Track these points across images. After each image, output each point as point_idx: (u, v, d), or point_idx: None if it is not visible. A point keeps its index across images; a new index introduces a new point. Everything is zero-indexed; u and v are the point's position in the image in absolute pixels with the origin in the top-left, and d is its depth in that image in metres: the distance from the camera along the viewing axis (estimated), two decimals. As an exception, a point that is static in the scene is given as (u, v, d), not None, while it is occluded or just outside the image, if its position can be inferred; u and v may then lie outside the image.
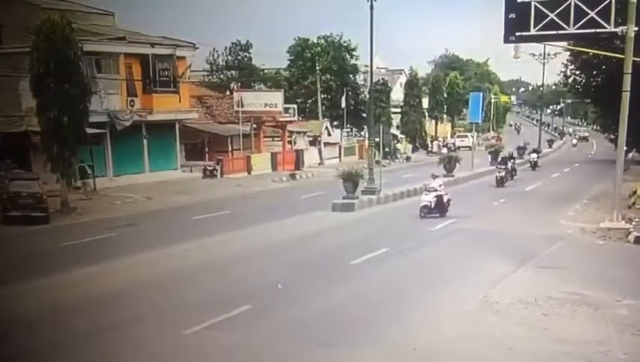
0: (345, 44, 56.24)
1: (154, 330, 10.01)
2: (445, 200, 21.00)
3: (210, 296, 11.68)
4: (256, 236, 17.98)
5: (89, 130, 23.49)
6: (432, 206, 20.63)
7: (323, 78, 52.75)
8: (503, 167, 30.91)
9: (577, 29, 18.41)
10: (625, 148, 20.52)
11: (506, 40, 19.67)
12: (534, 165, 40.55)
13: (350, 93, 54.18)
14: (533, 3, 18.52)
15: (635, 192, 23.21)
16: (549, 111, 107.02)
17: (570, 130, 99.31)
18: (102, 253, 15.47)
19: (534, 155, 41.87)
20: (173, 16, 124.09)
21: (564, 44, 27.99)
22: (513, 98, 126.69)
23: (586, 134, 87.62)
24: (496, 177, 29.87)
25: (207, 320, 10.15)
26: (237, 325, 10.13)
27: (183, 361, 8.88)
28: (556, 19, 18.45)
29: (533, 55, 54.84)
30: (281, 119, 41.87)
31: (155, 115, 31.58)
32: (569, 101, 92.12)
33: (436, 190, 20.85)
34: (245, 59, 59.76)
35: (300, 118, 49.10)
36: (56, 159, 21.92)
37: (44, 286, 12.48)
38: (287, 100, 44.04)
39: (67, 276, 13.23)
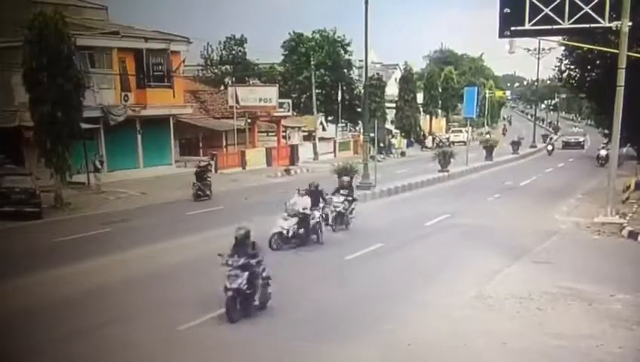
0: (339, 39, 56.12)
1: (147, 326, 9.98)
2: (313, 223, 15.58)
3: (204, 292, 11.61)
4: (250, 231, 17.87)
5: (83, 125, 23.38)
6: (291, 234, 15.17)
7: (317, 73, 52.61)
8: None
9: (572, 23, 18.42)
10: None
11: (501, 34, 19.66)
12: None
13: (345, 88, 54.09)
14: (527, -3, 18.51)
15: (628, 187, 23.31)
16: (543, 106, 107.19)
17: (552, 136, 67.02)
18: (95, 249, 15.40)
19: (337, 203, 17.97)
20: (167, 10, 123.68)
21: (559, 38, 27.91)
22: (508, 93, 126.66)
23: (580, 138, 56.81)
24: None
25: (201, 316, 10.14)
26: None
27: (177, 357, 8.84)
28: (551, 14, 18.45)
29: (528, 50, 54.93)
30: (275, 114, 41.77)
31: (149, 109, 31.46)
32: (563, 96, 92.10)
33: (303, 212, 15.35)
34: (240, 53, 59.66)
35: (295, 113, 48.98)
36: (49, 154, 21.81)
37: (36, 281, 12.42)
38: (281, 95, 43.92)
39: (59, 272, 13.17)
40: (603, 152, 36.16)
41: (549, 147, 50.80)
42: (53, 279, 12.68)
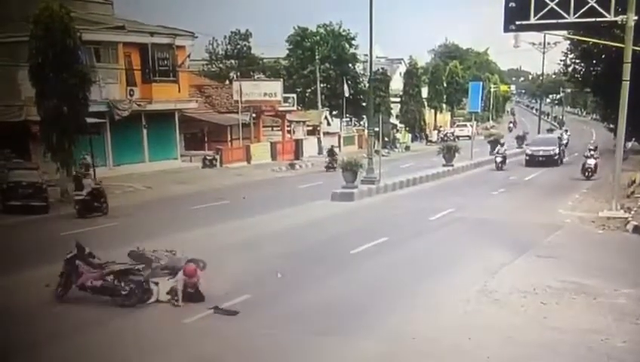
0: (344, 33, 56.12)
1: (154, 320, 10.08)
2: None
3: (209, 286, 11.70)
4: (254, 226, 17.98)
5: (89, 120, 23.49)
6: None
7: (322, 68, 52.65)
8: None
9: (577, 17, 18.36)
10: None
11: (506, 29, 19.62)
12: None
13: (349, 82, 54.09)
14: (533, -9, 18.45)
15: (633, 181, 23.25)
16: (548, 100, 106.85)
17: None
18: (101, 243, 15.46)
19: None
20: (173, 4, 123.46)
21: (564, 32, 27.88)
22: (513, 87, 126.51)
23: (552, 150, 35.38)
24: None
25: (206, 310, 10.21)
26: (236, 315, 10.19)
27: (183, 349, 8.91)
28: (556, 8, 18.40)
29: (533, 44, 54.86)
30: (280, 109, 41.86)
31: (155, 104, 31.58)
32: (569, 90, 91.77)
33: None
34: (245, 48, 59.73)
35: (299, 108, 49.04)
36: (55, 148, 21.95)
37: (43, 275, 12.48)
38: (286, 90, 44.01)
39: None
40: (591, 162, 28.09)
41: (498, 158, 33.82)
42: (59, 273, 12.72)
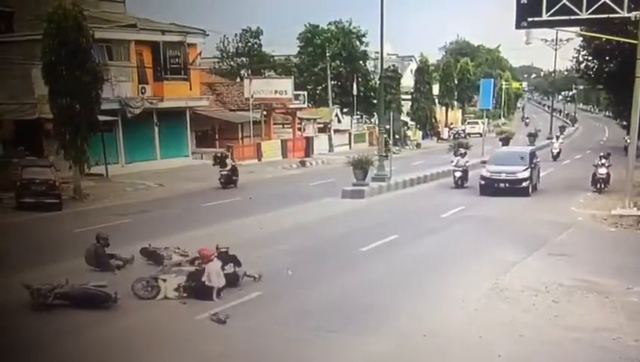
0: (355, 31, 56.02)
1: (166, 316, 10.16)
2: None
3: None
4: (265, 223, 18.03)
5: (101, 118, 23.65)
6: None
7: (333, 65, 52.58)
8: None
9: (590, 14, 18.29)
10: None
11: (518, 25, 19.58)
12: None
13: (360, 79, 54.02)
14: (545, -12, 18.37)
15: (647, 179, 23.02)
16: (560, 97, 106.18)
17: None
18: (113, 240, 15.57)
19: None
20: (184, 3, 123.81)
21: (577, 29, 27.73)
22: (524, 84, 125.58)
23: (520, 173, 23.20)
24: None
25: (217, 306, 10.28)
26: (247, 311, 10.25)
27: (194, 345, 8.98)
28: (568, 5, 18.34)
29: (545, 41, 54.33)
30: (291, 106, 41.87)
31: (166, 102, 31.70)
32: (581, 87, 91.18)
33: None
34: (255, 46, 59.79)
35: (310, 105, 49.03)
36: (68, 146, 22.13)
37: (56, 272, 12.59)
38: (297, 87, 43.99)
39: (79, 262, 13.32)
40: (602, 171, 24.05)
41: (457, 173, 26.11)
42: (74, 269, 12.84)
